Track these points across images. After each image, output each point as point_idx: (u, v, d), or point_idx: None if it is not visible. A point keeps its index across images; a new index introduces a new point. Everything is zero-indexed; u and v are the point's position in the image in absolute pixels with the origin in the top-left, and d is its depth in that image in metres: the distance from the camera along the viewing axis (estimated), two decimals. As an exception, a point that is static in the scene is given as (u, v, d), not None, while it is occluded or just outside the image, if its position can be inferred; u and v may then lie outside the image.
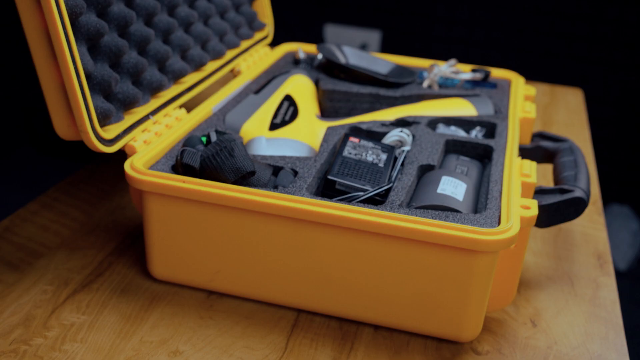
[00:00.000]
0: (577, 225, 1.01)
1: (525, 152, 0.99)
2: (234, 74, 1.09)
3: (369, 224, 0.69)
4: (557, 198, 0.83)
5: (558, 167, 0.92)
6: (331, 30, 2.52)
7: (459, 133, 0.95)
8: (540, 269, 0.91)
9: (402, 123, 0.95)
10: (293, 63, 1.17)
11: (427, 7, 2.38)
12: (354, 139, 0.86)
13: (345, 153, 0.83)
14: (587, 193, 0.84)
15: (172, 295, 0.80)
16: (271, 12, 1.22)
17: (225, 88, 0.99)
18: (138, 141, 0.81)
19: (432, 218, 0.70)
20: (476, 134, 0.95)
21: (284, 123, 0.92)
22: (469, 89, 1.08)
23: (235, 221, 0.74)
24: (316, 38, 2.49)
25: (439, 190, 0.76)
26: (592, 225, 1.01)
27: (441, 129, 0.96)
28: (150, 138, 0.83)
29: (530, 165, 0.82)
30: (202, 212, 0.75)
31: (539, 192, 0.85)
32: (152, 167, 0.77)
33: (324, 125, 0.94)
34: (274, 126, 0.91)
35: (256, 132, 0.89)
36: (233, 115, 0.93)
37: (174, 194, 0.74)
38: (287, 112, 0.95)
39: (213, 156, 0.76)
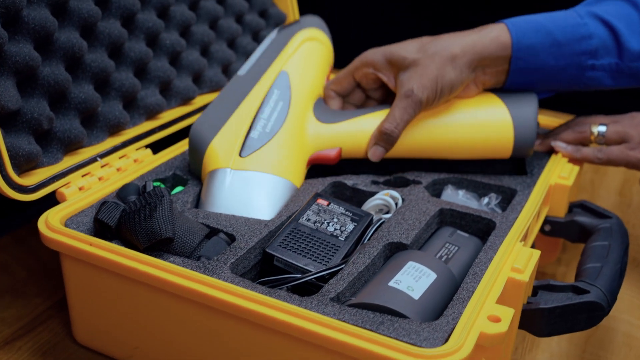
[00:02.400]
0: (620, 321, 0.81)
1: (556, 227, 0.80)
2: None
3: (274, 321, 0.55)
4: (564, 300, 0.65)
5: (584, 254, 0.73)
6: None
7: (470, 202, 0.78)
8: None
9: (400, 181, 0.80)
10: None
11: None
12: (322, 201, 0.72)
13: (302, 219, 0.69)
14: (609, 296, 0.65)
15: (92, 366, 0.70)
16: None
17: (212, 125, 0.88)
18: (72, 187, 0.72)
19: (356, 324, 0.55)
20: (488, 201, 0.78)
21: (262, 138, 0.75)
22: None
23: (145, 296, 0.63)
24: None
25: (391, 283, 0.61)
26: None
27: (448, 193, 0.79)
28: (90, 184, 0.74)
29: (529, 256, 0.64)
30: (113, 281, 0.64)
31: (547, 288, 0.67)
32: (71, 221, 0.68)
33: (317, 131, 0.78)
34: (248, 146, 0.74)
35: (223, 156, 0.74)
36: (201, 124, 0.76)
37: (81, 258, 0.64)
38: (273, 114, 0.77)
39: (132, 214, 0.65)
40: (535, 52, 0.76)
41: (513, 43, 0.75)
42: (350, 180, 0.78)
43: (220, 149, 0.74)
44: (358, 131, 0.78)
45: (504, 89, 0.80)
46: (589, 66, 0.76)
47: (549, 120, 0.95)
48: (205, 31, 0.93)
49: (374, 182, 0.79)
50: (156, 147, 0.83)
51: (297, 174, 0.76)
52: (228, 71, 0.97)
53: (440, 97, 0.76)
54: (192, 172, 0.78)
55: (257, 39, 1.03)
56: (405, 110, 0.75)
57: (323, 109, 0.81)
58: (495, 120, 0.79)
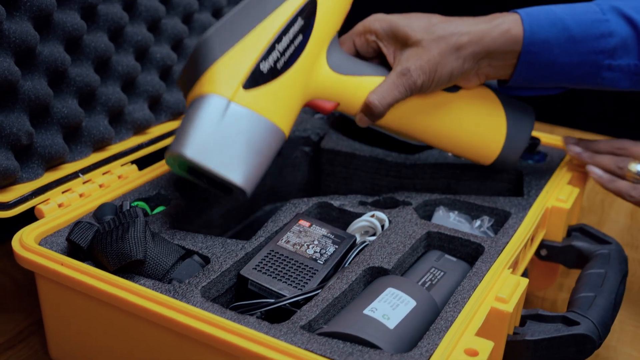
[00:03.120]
0: (621, 354, 0.77)
1: (553, 252, 0.77)
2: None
3: (240, 350, 0.53)
4: (552, 332, 0.62)
5: (579, 281, 0.70)
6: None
7: (461, 224, 0.75)
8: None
9: (389, 202, 0.77)
10: (316, 111, 1.02)
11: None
12: (304, 223, 0.70)
13: (281, 242, 0.67)
14: (600, 329, 0.62)
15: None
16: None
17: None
18: (51, 204, 0.71)
19: (323, 354, 0.53)
20: (480, 224, 0.75)
21: (271, 73, 0.66)
22: (508, 160, 0.87)
23: (114, 317, 0.61)
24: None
25: (366, 311, 0.58)
26: (642, 356, 0.77)
27: (440, 214, 0.76)
28: (70, 200, 0.72)
29: (516, 285, 0.61)
30: (84, 301, 0.63)
31: (535, 318, 0.64)
32: (46, 240, 0.66)
33: (326, 79, 0.71)
34: (254, 79, 0.65)
35: (225, 81, 0.64)
36: (212, 37, 0.65)
37: (53, 278, 0.63)
38: (289, 48, 0.67)
39: (104, 235, 0.63)
40: (549, 47, 0.70)
41: (525, 37, 0.69)
42: (337, 201, 0.76)
43: (224, 73, 0.64)
44: (363, 93, 0.72)
45: (509, 84, 0.74)
46: (606, 66, 0.71)
47: (544, 136, 0.92)
48: (199, 45, 0.91)
49: (362, 203, 0.76)
50: (143, 163, 0.82)
51: (291, 121, 0.69)
52: (223, 86, 0.95)
53: (436, 84, 0.71)
54: (182, 88, 0.69)
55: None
56: (396, 87, 0.71)
57: (337, 53, 0.73)
58: (489, 123, 0.75)
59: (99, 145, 0.78)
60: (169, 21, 0.87)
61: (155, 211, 0.74)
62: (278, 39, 0.66)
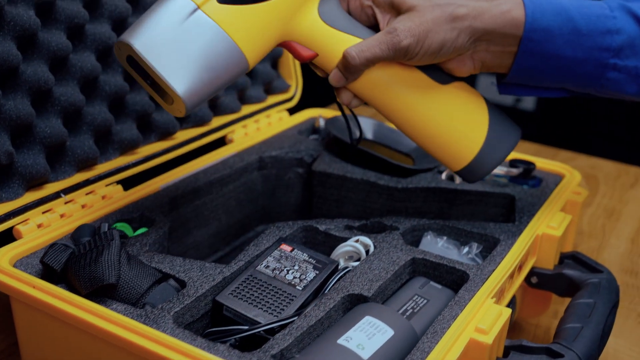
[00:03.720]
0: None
1: (543, 280, 0.75)
2: (226, 142, 0.95)
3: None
4: (535, 365, 0.59)
5: (567, 311, 0.68)
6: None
7: (449, 250, 0.73)
8: None
9: (376, 226, 0.76)
10: (312, 132, 1.01)
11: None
12: (286, 247, 0.68)
13: (261, 266, 0.66)
14: (586, 362, 0.60)
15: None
16: (300, 70, 1.06)
17: (192, 163, 0.86)
18: (30, 224, 0.70)
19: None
20: (468, 251, 0.73)
21: None
22: (503, 185, 0.86)
23: (85, 342, 0.60)
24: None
25: (340, 340, 0.56)
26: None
27: (428, 239, 0.75)
28: (50, 221, 0.71)
29: (498, 315, 0.59)
30: (55, 325, 0.62)
31: (519, 350, 0.62)
32: (22, 262, 0.66)
33: (312, 27, 0.66)
34: None
35: None
36: None
37: (25, 300, 0.62)
38: None
39: (79, 258, 0.62)
40: (552, 36, 0.65)
41: (527, 21, 0.65)
42: (323, 225, 0.74)
43: None
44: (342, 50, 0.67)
45: (507, 78, 0.69)
46: (611, 65, 0.66)
47: (540, 160, 0.90)
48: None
49: (348, 227, 0.75)
50: (130, 183, 0.81)
51: (259, 53, 0.64)
52: (216, 105, 0.94)
53: (424, 53, 0.65)
54: None
55: (252, 72, 1.00)
56: (378, 44, 0.65)
57: (332, 3, 0.68)
58: (469, 127, 0.70)
59: (84, 165, 0.77)
60: (160, 41, 0.86)
61: (137, 233, 0.73)
62: None
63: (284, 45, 0.67)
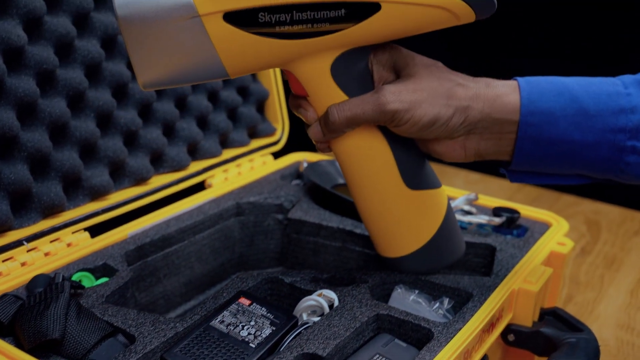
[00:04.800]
0: None
1: (521, 338, 0.71)
2: (205, 187, 0.93)
3: None
4: None
5: (539, 374, 0.64)
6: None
7: (419, 306, 0.70)
8: None
9: (345, 279, 0.73)
10: (295, 177, 0.99)
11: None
12: (244, 301, 0.66)
13: (215, 321, 0.63)
14: None
15: None
16: (286, 114, 1.05)
17: (165, 209, 0.84)
18: (-13, 273, 0.69)
19: None
20: (439, 306, 0.70)
21: (263, 30, 0.59)
22: (485, 234, 0.82)
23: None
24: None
25: (284, 404, 0.54)
26: None
27: (399, 293, 0.71)
28: (10, 269, 0.70)
29: (457, 378, 0.56)
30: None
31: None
32: (-27, 312, 0.64)
33: (320, 77, 0.63)
34: (243, 19, 0.58)
35: None
36: None
37: (-32, 354, 0.60)
38: (308, 22, 0.60)
39: (27, 310, 0.61)
40: (554, 119, 0.60)
41: (522, 104, 0.60)
42: (288, 277, 0.72)
43: None
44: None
45: (512, 165, 0.64)
46: (629, 148, 0.59)
47: (524, 208, 0.87)
48: (169, 109, 0.89)
49: (315, 279, 0.72)
50: (99, 230, 0.79)
51: (245, 71, 0.62)
52: (195, 150, 0.93)
53: (414, 123, 0.61)
54: None
55: (234, 116, 0.99)
56: (361, 103, 0.61)
57: (352, 59, 0.64)
58: (411, 232, 0.70)
59: (50, 212, 0.76)
60: (136, 85, 0.86)
61: (98, 282, 0.71)
62: (301, 7, 0.58)
63: (281, 69, 0.66)
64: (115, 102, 0.83)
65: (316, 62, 0.63)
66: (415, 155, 0.68)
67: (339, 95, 0.64)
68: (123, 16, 0.58)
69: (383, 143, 0.66)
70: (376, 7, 0.59)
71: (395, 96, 0.61)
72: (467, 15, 0.60)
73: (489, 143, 0.64)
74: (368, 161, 0.67)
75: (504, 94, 0.62)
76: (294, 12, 0.58)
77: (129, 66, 0.85)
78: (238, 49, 0.60)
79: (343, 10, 0.59)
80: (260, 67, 0.63)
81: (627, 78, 0.62)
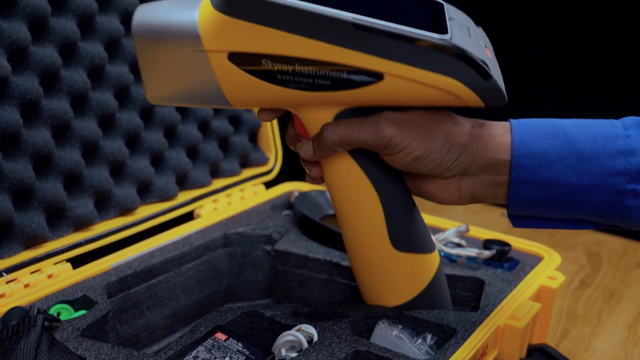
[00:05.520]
0: None
1: (506, 376, 0.69)
2: (194, 217, 0.92)
3: None
4: None
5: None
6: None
7: (401, 342, 0.68)
8: None
9: (327, 313, 0.71)
10: (286, 208, 0.98)
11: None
12: (220, 335, 0.65)
13: (189, 356, 0.62)
14: None
15: None
16: (280, 142, 1.04)
17: (150, 240, 0.83)
18: (-37, 305, 0.68)
19: None
20: (421, 343, 0.68)
21: (266, 76, 0.60)
22: (475, 267, 0.81)
23: None
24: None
25: None
26: None
27: (381, 327, 0.70)
28: (-13, 301, 0.69)
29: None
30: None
31: None
32: (-55, 345, 0.63)
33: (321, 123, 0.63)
34: (247, 61, 0.59)
35: (219, 37, 0.58)
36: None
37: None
38: (309, 79, 0.59)
39: (-4, 345, 0.60)
40: (548, 161, 0.59)
41: (514, 146, 0.59)
42: (269, 311, 0.71)
43: (229, 30, 0.58)
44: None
45: (510, 209, 0.63)
46: (629, 192, 0.58)
47: (516, 240, 0.85)
48: (158, 139, 0.89)
49: (296, 313, 0.71)
50: (82, 260, 0.79)
51: (248, 106, 0.65)
52: (184, 180, 0.92)
53: (408, 154, 0.60)
54: None
55: (226, 145, 0.98)
56: (359, 124, 0.60)
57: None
58: (391, 291, 0.70)
59: (31, 243, 0.75)
60: (123, 115, 0.85)
61: (75, 314, 0.70)
62: (304, 62, 0.58)
63: (296, 120, 0.66)
64: (101, 132, 0.82)
65: (319, 112, 0.63)
66: (408, 218, 0.67)
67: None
68: (137, 34, 0.61)
69: (375, 199, 0.66)
70: (379, 76, 0.59)
71: (394, 122, 0.60)
72: (474, 101, 0.59)
73: (484, 185, 0.63)
74: (358, 213, 0.67)
75: (497, 134, 0.61)
76: (296, 64, 0.59)
77: (116, 95, 0.85)
78: (240, 87, 0.61)
79: (345, 73, 0.59)
80: (262, 105, 0.64)
81: (629, 120, 0.61)
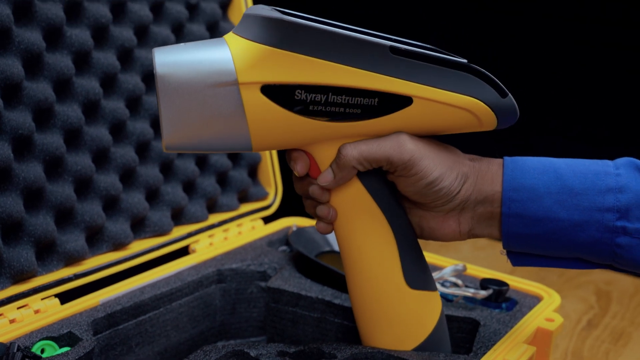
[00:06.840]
0: None
1: (498, 422, 0.67)
2: (189, 253, 0.91)
3: None
4: None
5: None
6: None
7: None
8: None
9: (314, 353, 0.70)
10: (285, 243, 0.97)
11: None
12: (201, 376, 0.63)
13: (167, 398, 0.61)
14: None
15: None
16: (280, 177, 1.03)
17: (141, 275, 0.82)
18: (-54, 341, 0.67)
19: None
20: (409, 387, 0.66)
21: (297, 108, 0.60)
22: (472, 307, 0.79)
23: None
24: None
25: None
26: None
27: (369, 369, 0.68)
28: (-29, 337, 0.69)
29: None
30: None
31: None
32: None
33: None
34: (278, 94, 0.59)
35: (254, 69, 0.58)
36: (309, 30, 0.58)
37: None
38: (341, 108, 0.60)
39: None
40: (538, 196, 0.60)
41: (505, 180, 0.61)
42: (254, 350, 0.69)
43: (266, 61, 0.58)
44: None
45: (504, 245, 0.64)
46: (619, 229, 0.59)
47: (514, 279, 0.82)
48: (154, 174, 0.89)
49: (282, 353, 0.69)
50: (71, 295, 0.78)
51: (269, 147, 0.63)
52: (180, 214, 0.92)
53: (420, 177, 0.61)
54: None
55: (224, 180, 0.98)
56: (379, 141, 0.61)
57: None
58: (401, 332, 0.69)
59: (20, 278, 0.75)
60: (118, 150, 0.85)
61: (58, 351, 0.69)
62: (338, 90, 0.59)
63: (303, 150, 0.65)
64: (95, 167, 0.82)
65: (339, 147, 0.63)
66: (419, 253, 0.68)
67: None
68: (162, 74, 0.58)
69: (389, 234, 0.66)
70: (408, 101, 0.60)
71: (414, 143, 0.62)
72: (489, 122, 0.62)
73: (481, 219, 0.64)
74: (371, 250, 0.66)
75: (491, 169, 0.63)
76: (330, 93, 0.59)
77: (111, 130, 0.85)
78: (268, 122, 0.60)
79: (377, 99, 0.60)
80: (284, 145, 0.64)
81: (621, 160, 0.62)
